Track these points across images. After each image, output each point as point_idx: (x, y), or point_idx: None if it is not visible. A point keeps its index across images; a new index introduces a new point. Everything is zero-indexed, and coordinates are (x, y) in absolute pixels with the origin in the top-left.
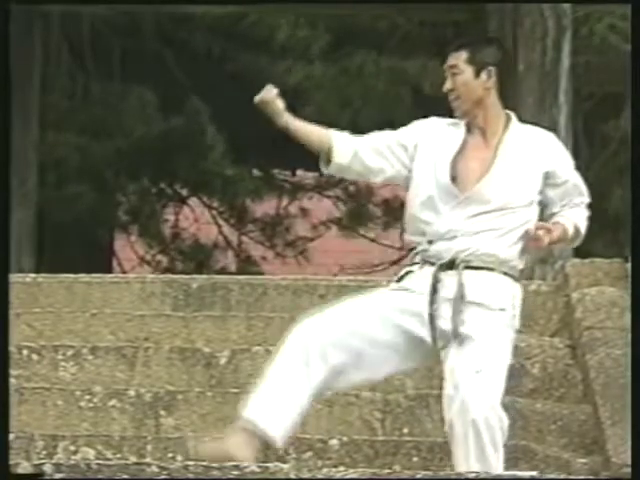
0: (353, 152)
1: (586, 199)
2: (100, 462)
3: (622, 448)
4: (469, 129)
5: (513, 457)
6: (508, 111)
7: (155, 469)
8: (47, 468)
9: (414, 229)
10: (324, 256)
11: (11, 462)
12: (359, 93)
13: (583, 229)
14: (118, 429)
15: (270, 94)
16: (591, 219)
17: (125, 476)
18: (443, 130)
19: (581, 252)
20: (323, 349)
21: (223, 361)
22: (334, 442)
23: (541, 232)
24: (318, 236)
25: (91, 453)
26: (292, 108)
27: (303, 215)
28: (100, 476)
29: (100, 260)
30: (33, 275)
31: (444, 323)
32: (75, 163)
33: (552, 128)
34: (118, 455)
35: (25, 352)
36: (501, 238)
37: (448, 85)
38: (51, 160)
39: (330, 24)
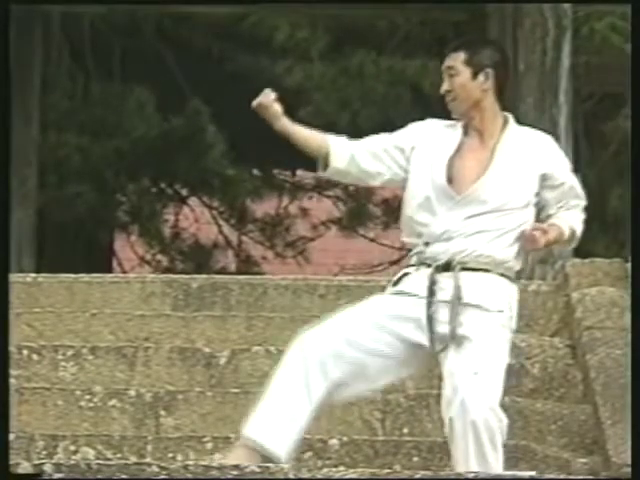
0: (350, 156)
1: (582, 202)
2: (100, 462)
3: (622, 448)
4: (466, 131)
5: (513, 457)
6: (506, 113)
7: (155, 469)
8: (47, 468)
9: (410, 231)
10: (324, 256)
11: (11, 462)
12: (359, 93)
13: (579, 231)
14: (118, 429)
15: (268, 98)
16: (591, 219)
17: (125, 476)
18: (440, 132)
19: (581, 252)
20: (323, 363)
21: (223, 361)
22: (334, 442)
23: (537, 233)
24: (318, 236)
25: (91, 453)
26: (292, 108)
27: (303, 215)
28: (100, 476)
29: (100, 260)
30: (33, 275)
31: (442, 326)
32: (75, 163)
33: (552, 128)
34: (118, 455)
35: (25, 352)
36: (497, 239)
37: (445, 86)
38: (51, 160)
39: (330, 24)
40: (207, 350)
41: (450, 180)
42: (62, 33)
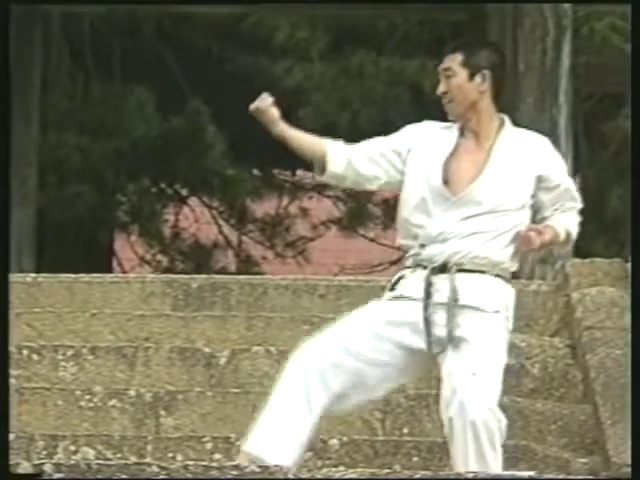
0: (347, 161)
1: (578, 204)
2: (100, 462)
3: (622, 448)
4: (462, 132)
5: (513, 457)
6: (502, 115)
7: (155, 469)
8: (47, 468)
9: (406, 233)
10: (324, 256)
11: (11, 462)
12: (358, 93)
13: (574, 233)
14: (118, 429)
15: (265, 103)
16: (591, 219)
17: (125, 476)
18: (436, 133)
19: (581, 252)
20: (323, 375)
21: (223, 361)
22: (334, 442)
23: (532, 234)
24: (318, 236)
25: (91, 453)
26: (292, 108)
27: (303, 215)
28: (100, 476)
29: (100, 260)
30: (33, 275)
31: (439, 328)
32: (75, 163)
33: (552, 128)
34: (118, 455)
35: (25, 352)
36: (493, 241)
37: (442, 88)
38: (51, 160)
39: (330, 24)
40: (207, 350)
41: (446, 181)
42: (62, 33)
